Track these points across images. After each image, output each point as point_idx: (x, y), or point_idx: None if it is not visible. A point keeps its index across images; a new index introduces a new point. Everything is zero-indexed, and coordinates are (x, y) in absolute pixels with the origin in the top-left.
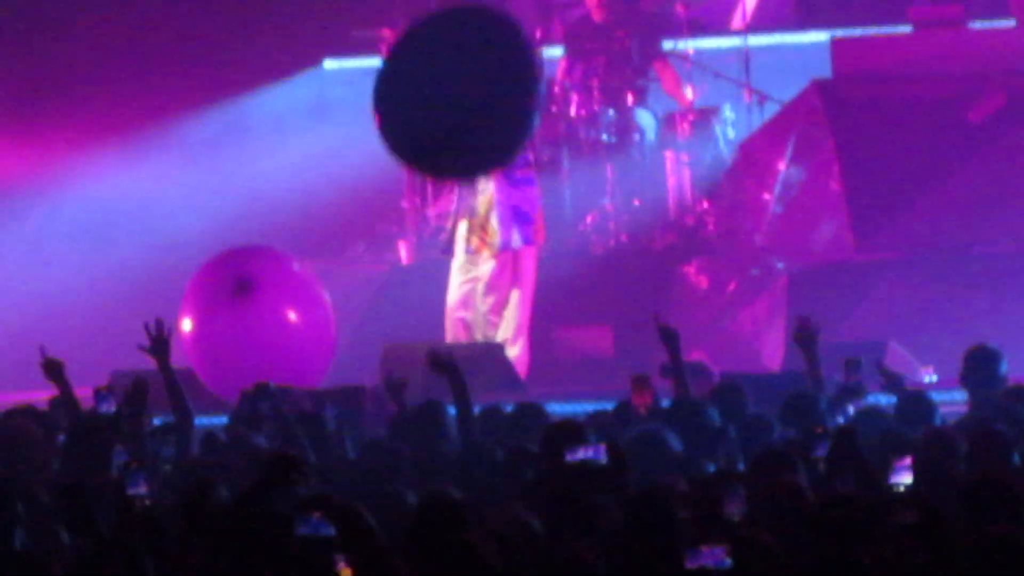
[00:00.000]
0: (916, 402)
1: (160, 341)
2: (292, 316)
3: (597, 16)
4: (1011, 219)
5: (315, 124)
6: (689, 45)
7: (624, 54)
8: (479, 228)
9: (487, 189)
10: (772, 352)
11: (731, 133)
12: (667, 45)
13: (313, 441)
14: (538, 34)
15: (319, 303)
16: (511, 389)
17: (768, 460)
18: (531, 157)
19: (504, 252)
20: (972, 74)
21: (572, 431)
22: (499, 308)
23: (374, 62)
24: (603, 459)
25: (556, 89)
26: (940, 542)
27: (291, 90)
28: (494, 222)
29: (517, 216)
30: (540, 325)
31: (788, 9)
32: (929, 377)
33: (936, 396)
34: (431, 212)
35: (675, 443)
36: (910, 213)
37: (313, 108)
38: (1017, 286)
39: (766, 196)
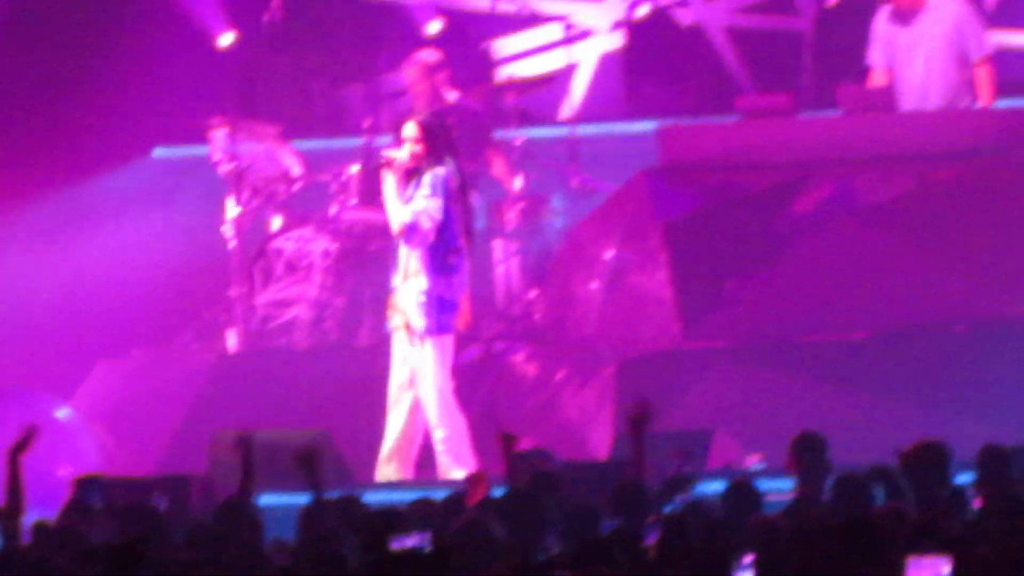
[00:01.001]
0: (743, 490)
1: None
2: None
3: (428, 103)
4: (839, 308)
5: (145, 212)
6: (519, 134)
7: (455, 138)
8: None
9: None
10: (599, 441)
11: (559, 222)
12: (498, 134)
13: (144, 530)
14: (368, 123)
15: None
16: (339, 477)
17: (595, 549)
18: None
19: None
20: (800, 163)
21: (393, 520)
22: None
23: (202, 150)
24: (427, 548)
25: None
26: None
27: (122, 178)
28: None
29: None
30: (367, 413)
31: (617, 99)
32: (757, 465)
33: (764, 484)
34: (259, 301)
35: (499, 532)
36: (739, 301)
37: (144, 196)
38: (844, 375)
39: (593, 285)
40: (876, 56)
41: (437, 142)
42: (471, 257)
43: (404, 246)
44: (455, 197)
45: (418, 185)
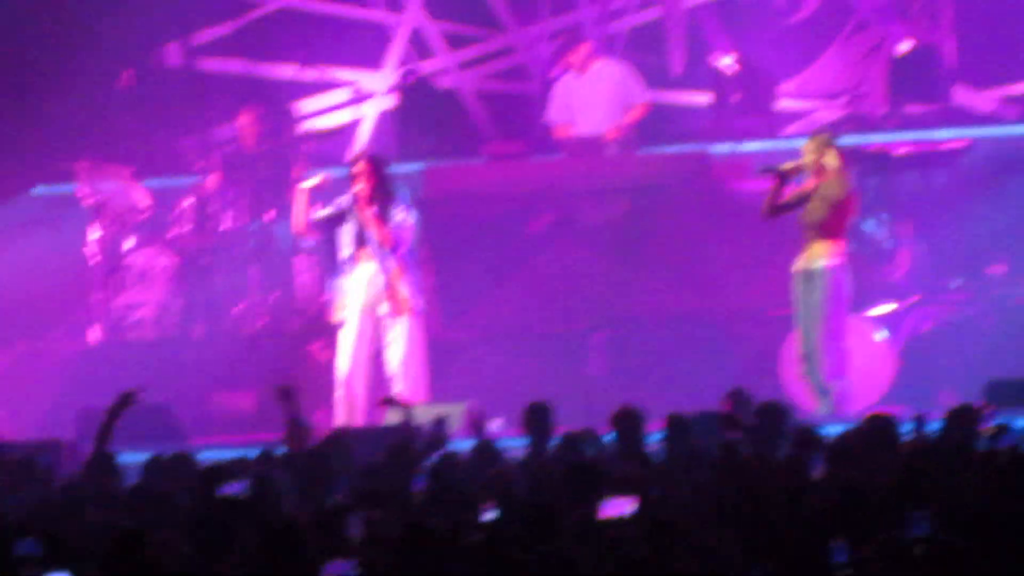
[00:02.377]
0: (487, 447)
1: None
2: None
3: (247, 149)
4: (563, 306)
5: (28, 236)
6: (321, 173)
7: (266, 180)
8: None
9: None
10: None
11: None
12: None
13: (27, 483)
14: (199, 165)
15: None
16: (177, 439)
17: (373, 496)
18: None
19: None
20: (532, 195)
21: (221, 472)
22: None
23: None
24: (247, 493)
25: (213, 206)
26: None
27: (9, 210)
28: (404, 289)
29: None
30: (199, 390)
31: (392, 146)
32: (499, 427)
33: (505, 442)
34: (115, 304)
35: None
36: (488, 301)
37: (27, 223)
38: (568, 356)
39: None
40: (559, 112)
41: (384, 171)
42: None
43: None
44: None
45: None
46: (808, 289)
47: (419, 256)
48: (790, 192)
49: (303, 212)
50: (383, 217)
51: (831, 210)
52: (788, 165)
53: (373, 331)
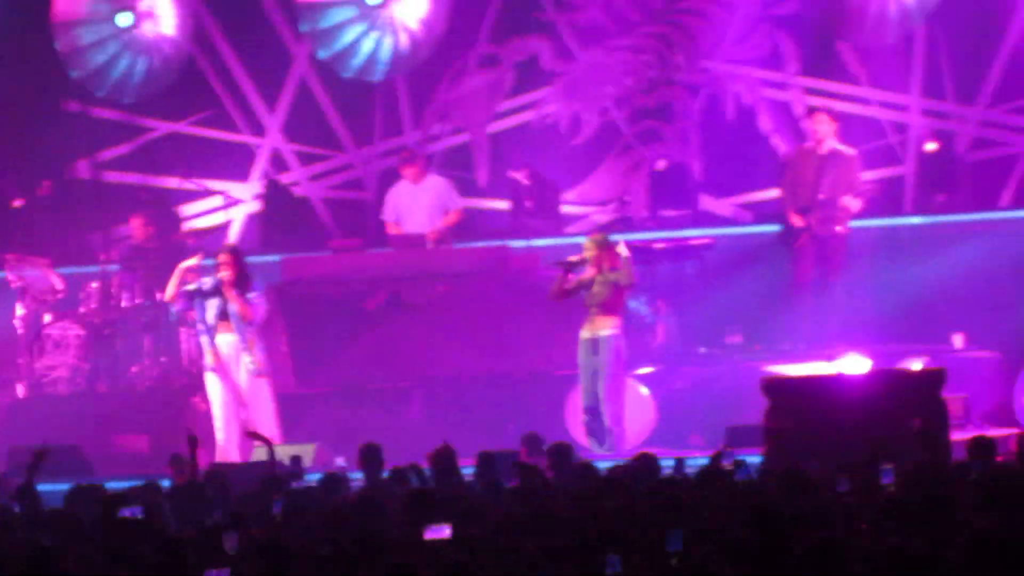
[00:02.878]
0: (334, 479)
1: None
2: None
3: (140, 244)
4: (393, 366)
5: None
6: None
7: (158, 268)
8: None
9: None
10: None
11: None
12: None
13: None
14: (103, 256)
15: None
16: (86, 474)
17: (245, 517)
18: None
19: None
20: (368, 279)
21: (120, 499)
22: None
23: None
24: (141, 516)
25: (115, 288)
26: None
27: None
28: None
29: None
30: (103, 434)
31: (257, 240)
32: (342, 464)
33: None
34: (36, 365)
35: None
36: (332, 362)
37: None
38: (396, 407)
39: None
40: (390, 214)
41: (244, 261)
42: None
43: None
44: None
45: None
46: (594, 353)
47: (275, 328)
48: (573, 280)
49: (176, 285)
50: (243, 296)
51: (614, 291)
52: (573, 259)
53: (234, 387)
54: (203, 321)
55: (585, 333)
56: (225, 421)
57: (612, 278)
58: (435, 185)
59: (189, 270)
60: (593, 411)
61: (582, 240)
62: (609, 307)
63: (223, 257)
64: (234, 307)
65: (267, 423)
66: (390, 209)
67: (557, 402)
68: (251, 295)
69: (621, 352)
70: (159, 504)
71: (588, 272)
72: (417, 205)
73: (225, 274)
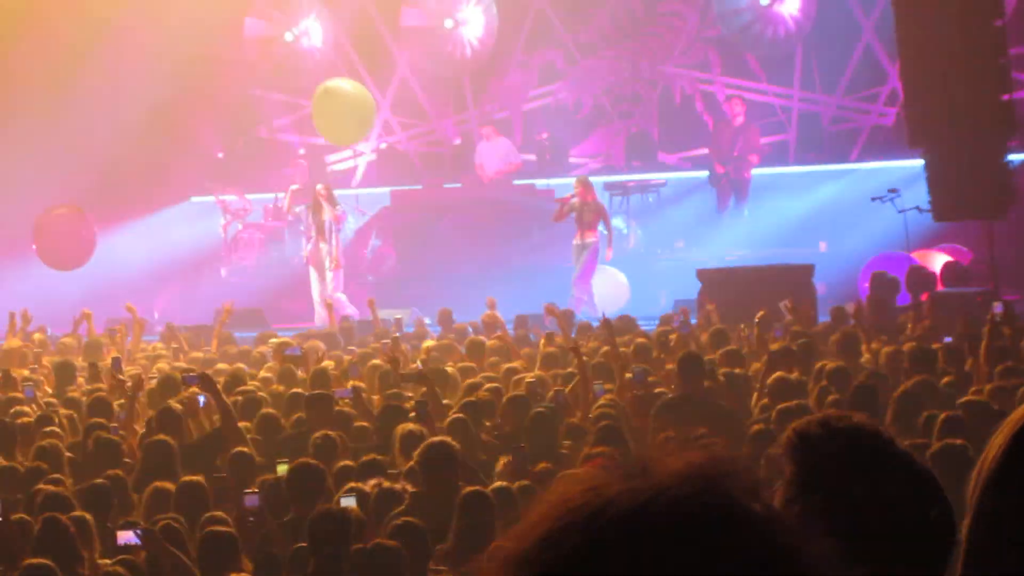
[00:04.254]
0: (422, 330)
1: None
2: None
3: (300, 180)
4: (459, 257)
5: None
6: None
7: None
8: None
9: None
10: None
11: None
12: None
13: None
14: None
15: None
16: (265, 326)
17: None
18: None
19: None
20: (446, 204)
21: (286, 343)
22: None
23: None
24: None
25: (281, 206)
26: None
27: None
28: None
29: None
30: (275, 299)
31: (375, 176)
32: (428, 321)
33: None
34: (234, 255)
35: None
36: (423, 254)
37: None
38: (463, 283)
39: None
40: (477, 157)
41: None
42: None
43: None
44: None
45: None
46: (581, 252)
47: (386, 232)
48: (566, 208)
49: (289, 199)
50: (332, 208)
51: (593, 214)
52: (567, 197)
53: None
54: (307, 227)
55: (576, 240)
56: (320, 293)
57: (595, 205)
58: (503, 143)
59: (296, 192)
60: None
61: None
62: (590, 224)
63: (321, 186)
64: (328, 216)
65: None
66: (476, 155)
67: (565, 284)
68: (337, 208)
69: (596, 252)
70: (314, 345)
71: (574, 202)
72: (490, 156)
73: (321, 189)
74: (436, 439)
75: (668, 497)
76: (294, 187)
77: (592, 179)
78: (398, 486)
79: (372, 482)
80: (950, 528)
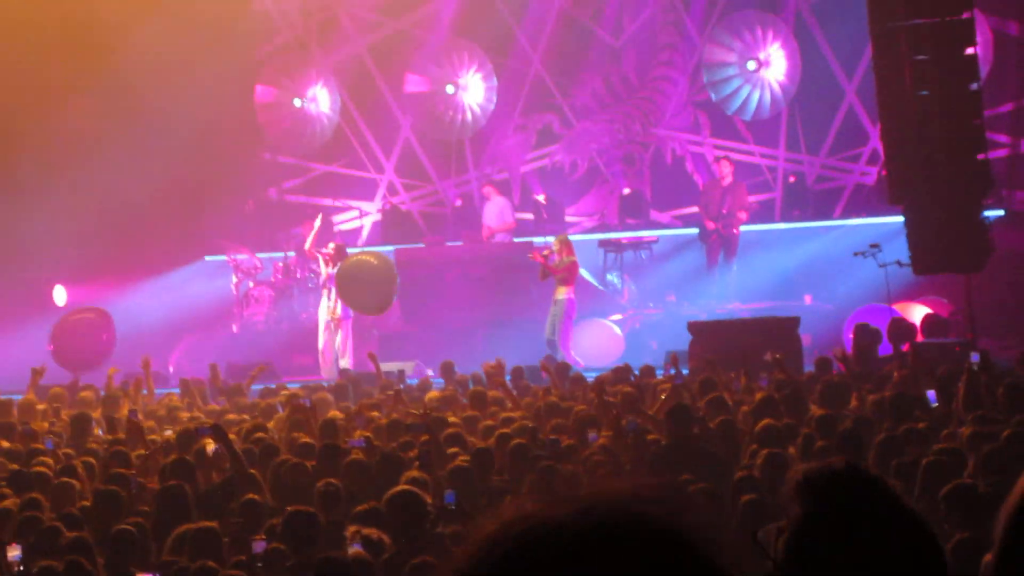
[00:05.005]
0: (426, 384)
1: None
2: None
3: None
4: (463, 312)
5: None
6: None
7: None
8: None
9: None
10: None
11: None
12: None
13: None
14: (284, 246)
15: None
16: (275, 379)
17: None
18: None
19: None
20: (447, 260)
21: (296, 395)
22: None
23: None
24: (308, 403)
25: (291, 265)
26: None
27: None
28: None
29: None
30: (286, 353)
31: (377, 238)
32: (430, 373)
33: (436, 380)
34: (246, 312)
35: None
36: (427, 309)
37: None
38: (469, 339)
39: None
40: (483, 219)
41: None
42: None
43: None
44: None
45: None
46: (555, 309)
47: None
48: (549, 267)
49: (312, 241)
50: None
51: (568, 271)
52: (545, 252)
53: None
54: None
55: (555, 296)
56: (325, 344)
57: (567, 262)
58: (499, 203)
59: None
60: (552, 343)
61: (553, 239)
62: (566, 280)
63: (333, 245)
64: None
65: (345, 351)
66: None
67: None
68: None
69: (573, 309)
70: (323, 397)
71: (555, 259)
72: (489, 214)
73: (331, 249)
74: (400, 488)
75: (591, 517)
76: (317, 224)
77: (587, 237)
78: (375, 535)
79: (352, 529)
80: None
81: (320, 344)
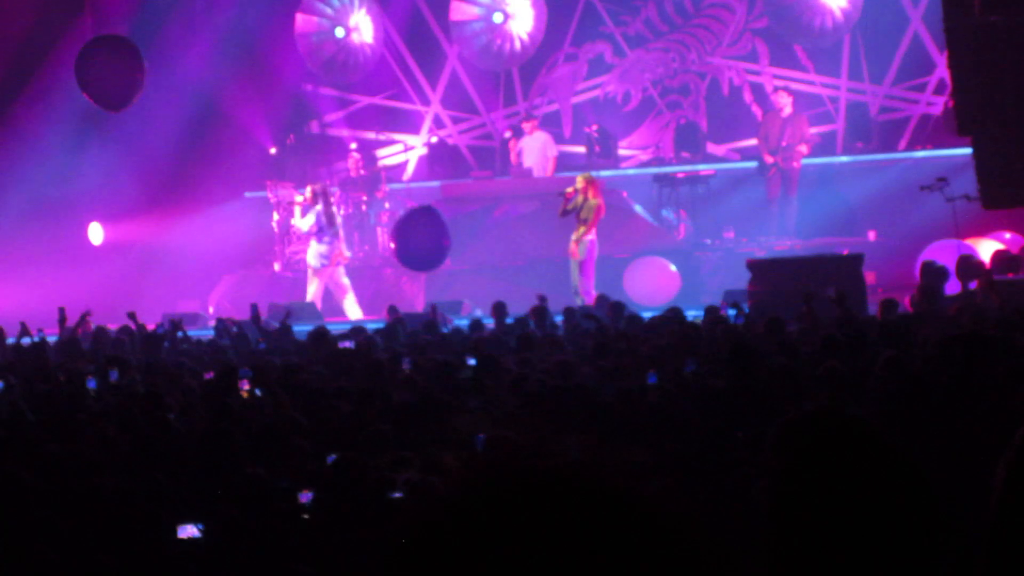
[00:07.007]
0: (477, 324)
1: None
2: None
3: (351, 174)
4: (508, 250)
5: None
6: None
7: (361, 189)
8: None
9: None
10: None
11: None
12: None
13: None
14: (328, 182)
15: None
16: (318, 320)
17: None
18: None
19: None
20: (494, 196)
21: (340, 337)
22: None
23: None
24: (353, 346)
25: (334, 201)
26: None
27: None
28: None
29: None
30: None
31: (424, 172)
32: (480, 313)
33: (486, 320)
34: (287, 250)
35: None
36: (474, 248)
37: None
38: (516, 277)
39: None
40: (515, 156)
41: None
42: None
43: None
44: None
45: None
46: (580, 250)
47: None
48: (569, 204)
49: None
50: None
51: (595, 211)
52: (568, 189)
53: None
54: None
55: (574, 236)
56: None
57: (593, 204)
58: (541, 138)
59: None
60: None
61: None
62: (590, 222)
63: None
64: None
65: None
66: (515, 152)
67: (616, 275)
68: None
69: (594, 250)
70: (369, 338)
71: (578, 198)
72: (530, 149)
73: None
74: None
75: (542, 474)
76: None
77: (642, 171)
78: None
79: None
80: (935, 518)
81: (310, 294)
